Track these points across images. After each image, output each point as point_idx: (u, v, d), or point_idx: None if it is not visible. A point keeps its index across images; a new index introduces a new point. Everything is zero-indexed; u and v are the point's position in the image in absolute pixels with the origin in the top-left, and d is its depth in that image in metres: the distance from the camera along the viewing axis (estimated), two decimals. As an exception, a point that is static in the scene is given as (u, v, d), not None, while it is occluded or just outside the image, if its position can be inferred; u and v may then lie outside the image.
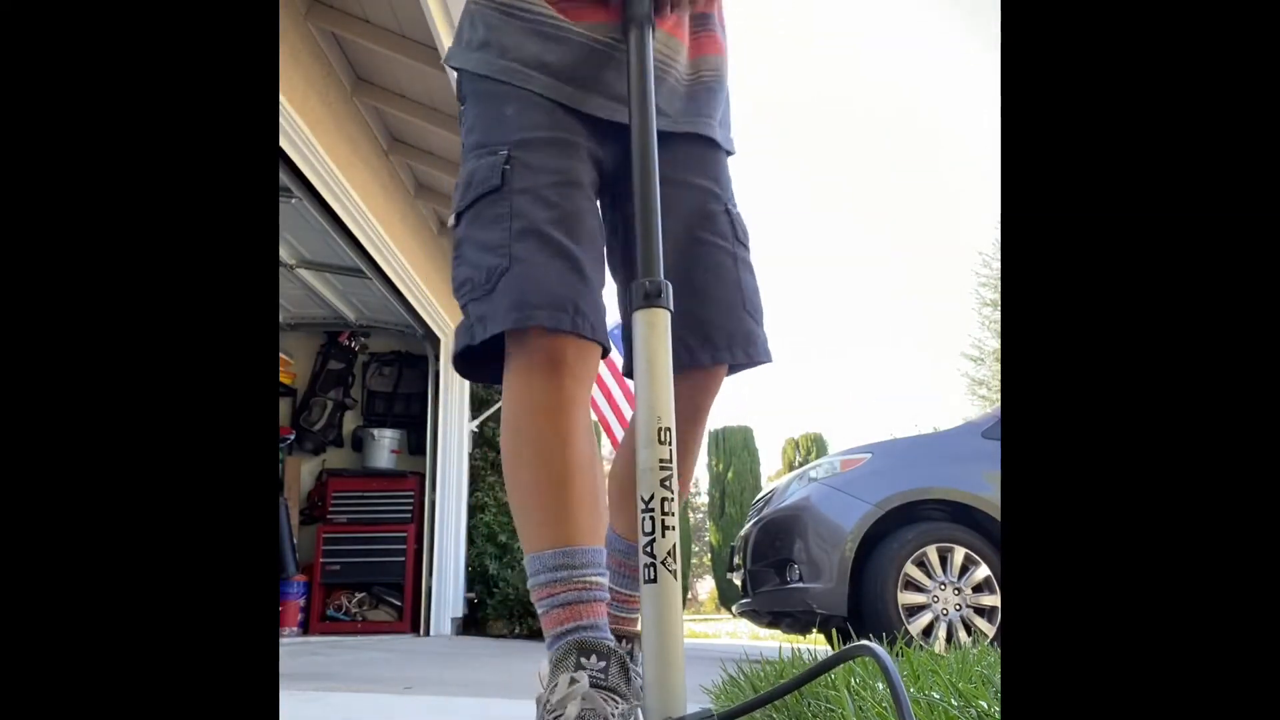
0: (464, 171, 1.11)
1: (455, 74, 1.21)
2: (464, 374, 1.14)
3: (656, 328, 0.96)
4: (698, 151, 1.22)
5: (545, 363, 1.02)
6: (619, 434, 5.31)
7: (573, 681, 0.91)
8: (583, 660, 0.93)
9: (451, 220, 1.12)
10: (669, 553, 0.91)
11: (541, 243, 1.03)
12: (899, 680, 0.76)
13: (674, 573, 0.90)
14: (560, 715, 0.88)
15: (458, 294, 1.08)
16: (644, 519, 0.92)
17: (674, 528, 0.92)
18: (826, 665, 0.90)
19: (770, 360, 1.21)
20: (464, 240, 1.08)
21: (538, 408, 1.03)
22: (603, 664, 0.93)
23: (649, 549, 0.91)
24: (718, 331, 1.17)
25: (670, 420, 0.94)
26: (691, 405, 1.19)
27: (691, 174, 1.19)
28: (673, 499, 0.93)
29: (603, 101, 1.12)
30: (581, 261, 1.05)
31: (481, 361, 1.09)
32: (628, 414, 5.24)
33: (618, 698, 0.91)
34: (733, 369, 1.22)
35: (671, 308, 0.98)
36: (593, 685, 0.91)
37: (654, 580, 0.89)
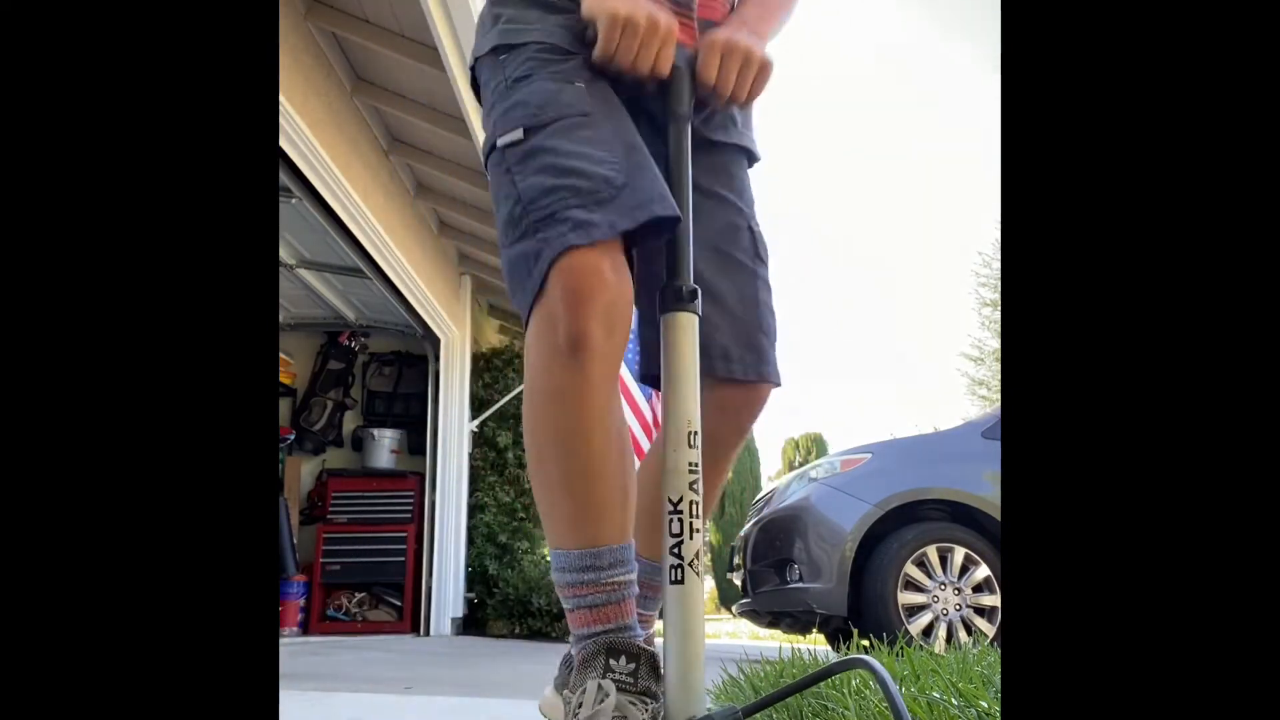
0: (535, 91, 1.03)
1: (477, 57, 1.16)
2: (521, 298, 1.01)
3: (686, 331, 0.97)
4: (730, 163, 1.22)
5: (573, 338, 0.92)
6: (639, 436, 5.24)
7: (600, 689, 0.88)
8: (611, 663, 0.91)
9: (516, 134, 1.00)
10: (696, 554, 0.92)
11: (644, 161, 1.00)
12: (896, 692, 0.76)
13: (700, 574, 0.91)
14: None
15: (542, 200, 0.95)
16: (672, 520, 0.93)
17: (701, 530, 0.93)
18: (827, 673, 0.90)
19: (779, 384, 1.20)
20: (546, 150, 0.98)
21: (559, 394, 0.94)
22: (632, 665, 0.91)
23: (676, 550, 0.91)
24: (732, 347, 1.16)
25: (698, 424, 0.95)
26: (715, 424, 1.17)
27: (722, 186, 1.20)
28: (699, 502, 0.94)
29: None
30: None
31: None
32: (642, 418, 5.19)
33: (648, 699, 0.90)
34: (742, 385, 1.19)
35: (699, 312, 0.99)
36: (622, 689, 0.89)
37: (681, 581, 0.91)
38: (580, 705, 0.89)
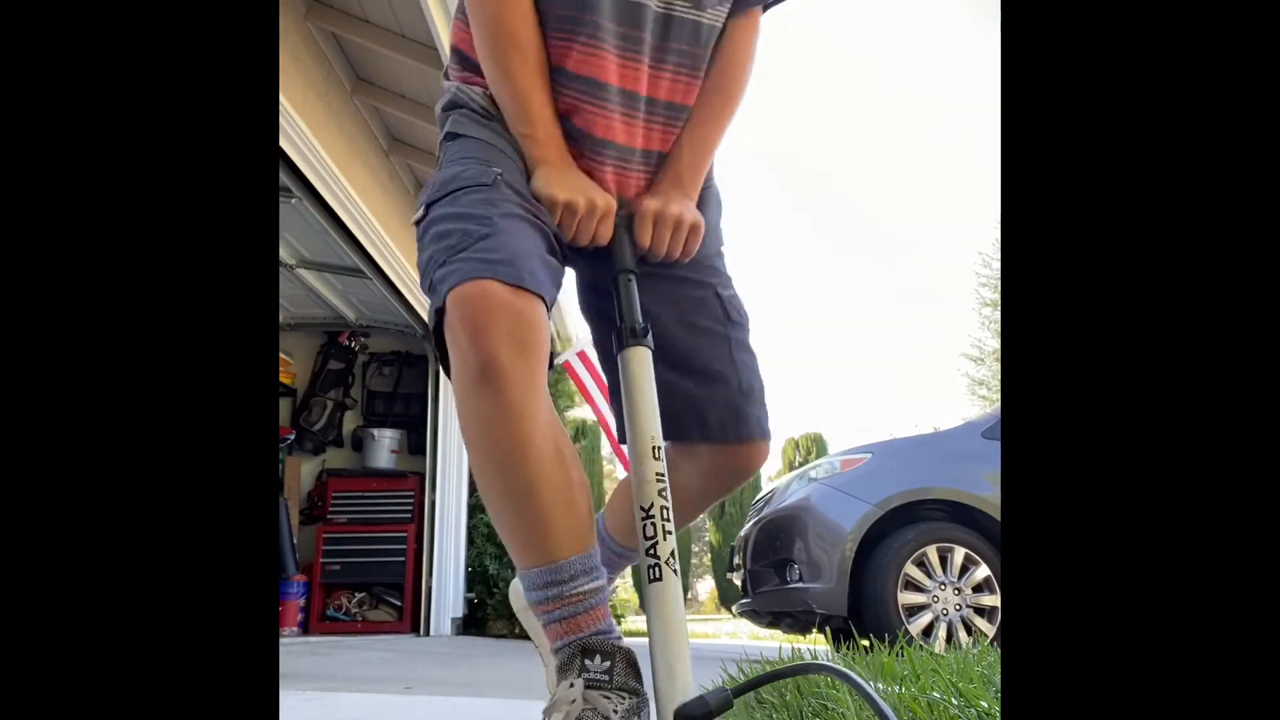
0: (444, 173, 1.12)
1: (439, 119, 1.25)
2: (447, 367, 1.11)
3: (642, 362, 1.07)
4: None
5: (481, 366, 0.94)
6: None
7: (571, 686, 0.92)
8: (586, 663, 0.94)
9: (420, 212, 1.10)
10: (671, 553, 0.99)
11: (525, 225, 1.04)
12: (875, 694, 0.81)
13: (675, 571, 0.98)
14: None
15: (427, 270, 1.04)
16: (645, 525, 0.99)
17: (673, 532, 1.01)
18: (804, 669, 0.94)
19: (764, 438, 1.24)
20: (435, 220, 1.06)
21: (484, 422, 0.97)
22: (607, 663, 0.94)
23: (652, 551, 0.98)
24: (709, 411, 1.21)
25: (660, 439, 1.04)
26: (690, 475, 1.25)
27: (678, 269, 1.24)
28: (669, 506, 1.01)
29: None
30: (552, 259, 1.07)
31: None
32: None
33: (625, 694, 0.92)
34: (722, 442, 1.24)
35: (652, 345, 1.09)
36: (595, 686, 0.92)
37: (659, 579, 0.97)
38: (553, 702, 0.93)
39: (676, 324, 1.22)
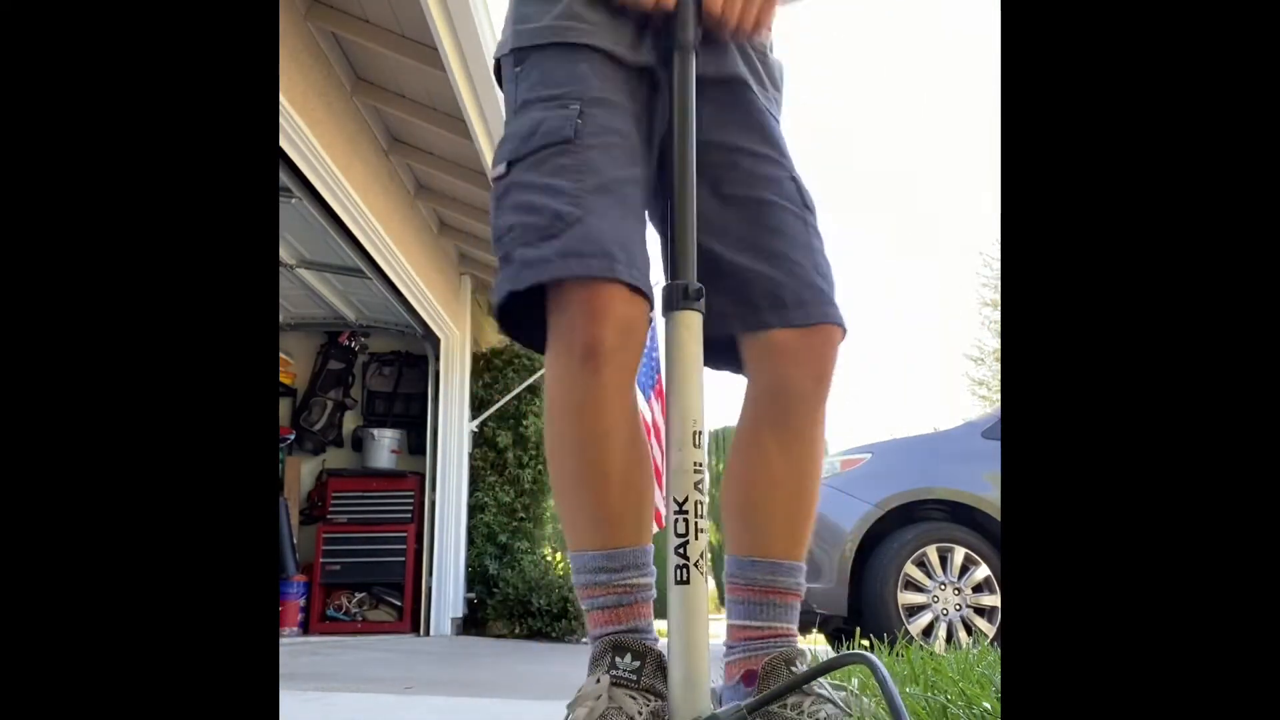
0: (524, 121, 1.07)
1: (499, 57, 1.19)
2: (507, 327, 1.08)
3: (692, 329, 0.96)
4: (763, 121, 1.19)
5: (584, 345, 0.97)
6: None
7: (598, 682, 0.92)
8: (616, 660, 0.94)
9: (500, 169, 1.06)
10: (701, 554, 0.92)
11: (616, 200, 1.01)
12: (894, 688, 0.77)
13: (704, 574, 0.92)
14: (571, 715, 0.91)
15: (504, 239, 1.02)
16: (677, 521, 0.93)
17: (706, 530, 0.94)
18: (827, 667, 0.90)
19: (843, 326, 1.13)
20: (518, 186, 1.03)
21: (574, 405, 1.00)
22: (637, 663, 0.94)
23: (681, 550, 0.92)
24: (787, 293, 1.10)
25: (703, 423, 0.96)
26: (775, 377, 1.12)
27: (758, 142, 1.17)
28: (705, 501, 0.95)
29: (651, 49, 1.11)
30: (643, 226, 1.05)
31: (524, 319, 1.06)
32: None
33: (651, 695, 0.92)
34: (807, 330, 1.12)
35: (704, 310, 0.98)
36: (622, 684, 0.92)
37: (686, 581, 0.91)
38: (579, 693, 0.92)
39: (754, 204, 1.13)
